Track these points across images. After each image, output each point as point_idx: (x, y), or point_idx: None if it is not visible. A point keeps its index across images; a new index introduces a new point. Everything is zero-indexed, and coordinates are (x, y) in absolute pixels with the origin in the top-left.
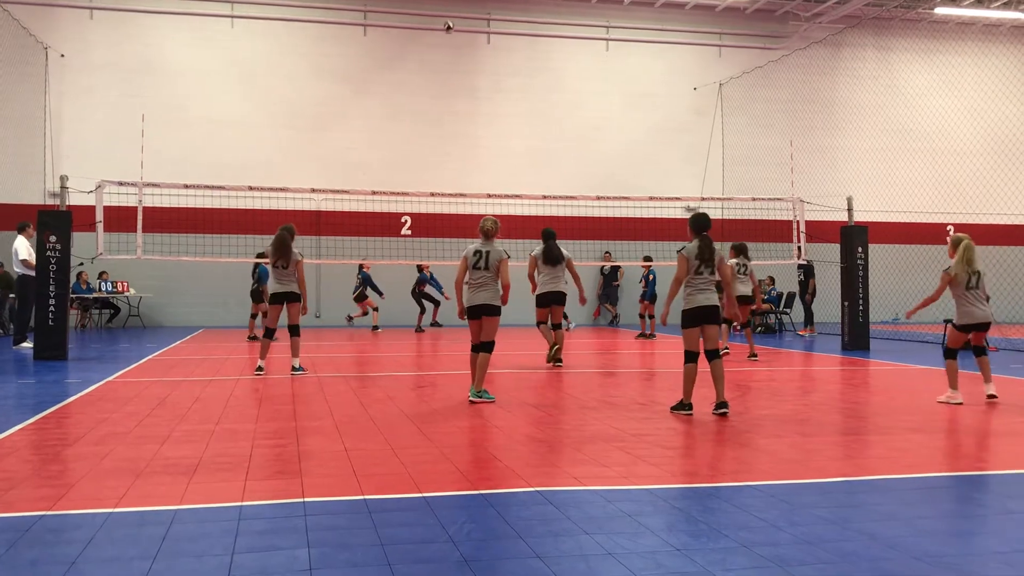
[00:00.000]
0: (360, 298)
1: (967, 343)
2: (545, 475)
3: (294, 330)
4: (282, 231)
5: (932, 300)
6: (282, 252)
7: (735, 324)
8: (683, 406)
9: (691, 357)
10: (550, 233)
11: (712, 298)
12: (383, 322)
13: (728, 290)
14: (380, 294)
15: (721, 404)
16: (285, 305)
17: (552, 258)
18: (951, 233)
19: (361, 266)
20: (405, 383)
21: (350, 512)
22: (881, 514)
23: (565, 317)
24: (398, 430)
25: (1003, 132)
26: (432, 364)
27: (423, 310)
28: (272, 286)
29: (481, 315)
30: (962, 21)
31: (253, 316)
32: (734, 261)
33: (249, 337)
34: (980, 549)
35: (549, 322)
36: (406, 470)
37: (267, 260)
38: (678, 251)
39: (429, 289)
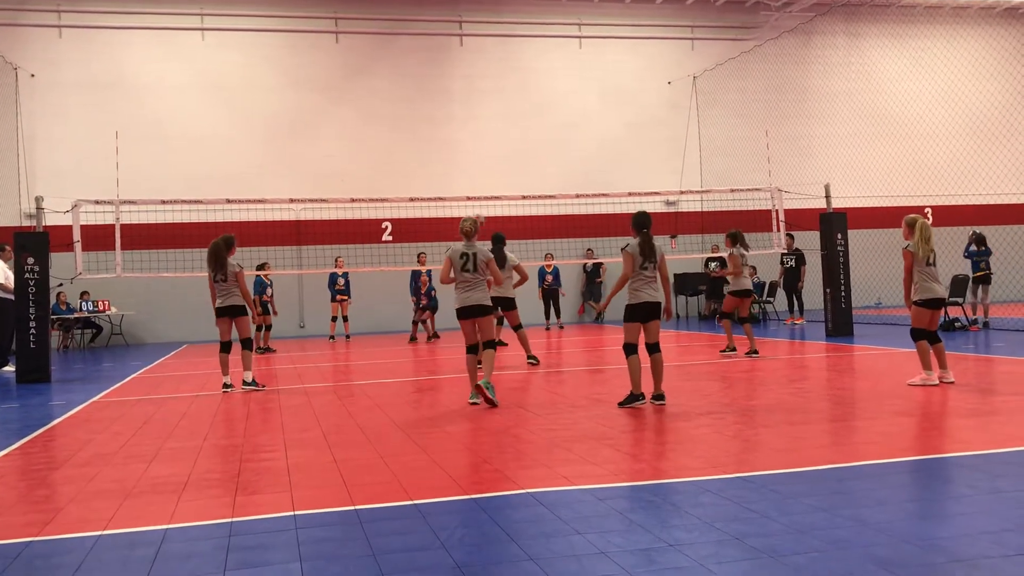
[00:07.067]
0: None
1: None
2: (535, 476)
3: (246, 344)
4: (215, 242)
5: (908, 280)
6: (217, 264)
7: (718, 317)
8: (634, 398)
9: (633, 349)
10: (496, 237)
11: (656, 294)
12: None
13: (666, 287)
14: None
15: (659, 395)
16: (232, 319)
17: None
18: (907, 216)
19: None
20: (391, 390)
21: (341, 523)
22: (871, 499)
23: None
24: (387, 438)
25: (977, 112)
26: (425, 369)
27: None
28: (217, 300)
29: (474, 316)
30: (931, 5)
31: (258, 328)
32: (731, 251)
33: (256, 349)
34: (970, 529)
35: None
36: (396, 478)
37: (264, 272)
38: (622, 248)
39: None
